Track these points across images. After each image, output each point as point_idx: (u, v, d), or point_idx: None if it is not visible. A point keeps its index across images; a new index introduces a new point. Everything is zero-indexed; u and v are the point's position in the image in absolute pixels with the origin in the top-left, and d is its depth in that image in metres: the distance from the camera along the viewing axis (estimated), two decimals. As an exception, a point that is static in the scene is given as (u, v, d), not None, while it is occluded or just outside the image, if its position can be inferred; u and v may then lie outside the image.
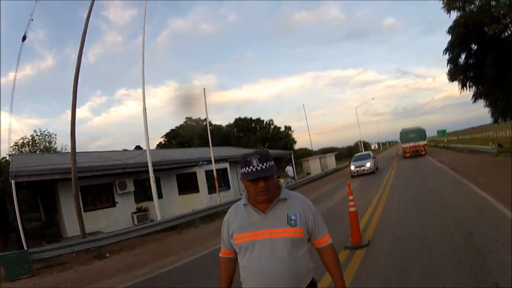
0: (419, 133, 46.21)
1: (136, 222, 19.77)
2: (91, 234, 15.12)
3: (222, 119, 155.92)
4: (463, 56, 27.42)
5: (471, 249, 7.21)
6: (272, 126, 62.63)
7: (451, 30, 26.25)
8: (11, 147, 40.56)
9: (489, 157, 28.59)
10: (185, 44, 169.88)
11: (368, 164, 30.00)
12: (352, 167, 30.96)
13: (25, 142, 40.32)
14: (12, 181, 15.22)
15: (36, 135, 41.34)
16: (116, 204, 20.40)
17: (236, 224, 2.56)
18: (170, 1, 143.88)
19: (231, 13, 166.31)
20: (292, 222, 2.49)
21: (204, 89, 25.02)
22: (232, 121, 63.93)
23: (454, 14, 22.44)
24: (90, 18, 16.84)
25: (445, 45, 28.45)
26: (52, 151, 38.57)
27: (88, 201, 19.01)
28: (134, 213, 20.47)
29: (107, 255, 12.80)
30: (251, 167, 2.41)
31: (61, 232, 18.14)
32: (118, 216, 19.80)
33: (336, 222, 11.79)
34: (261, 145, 53.90)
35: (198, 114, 60.76)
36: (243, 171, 2.45)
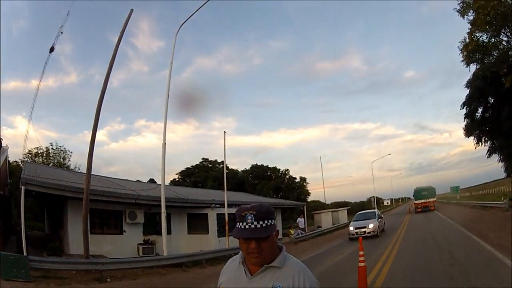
0: (430, 191, 54.68)
1: (141, 253, 19.63)
2: (94, 257, 15.05)
3: (238, 163, 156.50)
4: (480, 110, 27.83)
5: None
6: (287, 176, 62.09)
7: (469, 84, 26.75)
8: (24, 154, 40.98)
9: (500, 212, 29.05)
10: (208, 83, 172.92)
11: (371, 226, 25.02)
12: (351, 228, 26.10)
13: (39, 152, 40.72)
14: (22, 187, 15.37)
15: (52, 148, 41.82)
16: (124, 233, 20.24)
17: (225, 277, 2.39)
18: (197, 37, 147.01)
19: (256, 57, 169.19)
20: None
21: (224, 132, 25.70)
22: (248, 166, 63.75)
23: (473, 67, 22.92)
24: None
25: (462, 98, 28.93)
26: (65, 168, 38.71)
27: (96, 224, 18.84)
28: (140, 244, 20.27)
29: (108, 279, 12.66)
30: (244, 223, 2.19)
31: (64, 248, 17.96)
32: (124, 245, 19.60)
33: (343, 276, 12.16)
34: (274, 195, 53.62)
35: (214, 155, 61.01)
36: (236, 226, 2.24)
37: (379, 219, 27.26)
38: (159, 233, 19.07)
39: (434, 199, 54.70)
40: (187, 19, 19.45)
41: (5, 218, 22.99)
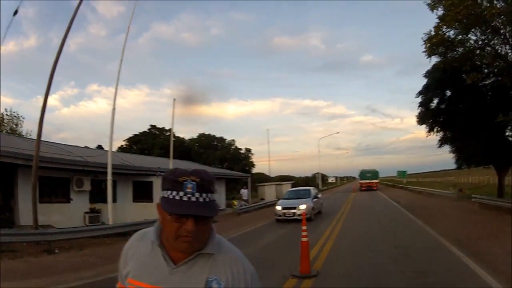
0: (374, 173, 64.66)
1: (87, 222, 19.58)
2: (43, 227, 15.00)
3: (186, 132, 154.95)
4: (435, 100, 27.73)
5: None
6: (233, 147, 63.15)
7: (428, 74, 26.69)
8: None
9: (448, 202, 29.54)
10: (164, 50, 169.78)
11: (302, 207, 20.33)
12: (278, 208, 21.69)
13: None
14: None
15: (6, 114, 40.19)
16: (71, 201, 20.06)
17: (134, 263, 1.76)
18: (157, 3, 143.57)
19: (215, 27, 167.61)
20: None
21: (174, 99, 25.44)
22: (195, 135, 64.15)
23: (435, 59, 23.11)
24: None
25: (418, 88, 28.74)
26: (17, 134, 37.28)
27: (45, 193, 18.53)
28: (87, 212, 20.20)
29: (56, 251, 12.74)
30: (181, 193, 1.60)
31: (15, 219, 17.71)
32: (71, 213, 19.48)
33: (285, 250, 12.28)
34: (219, 165, 54.09)
35: (164, 123, 60.81)
36: (166, 195, 1.63)
37: (315, 199, 23.43)
38: (105, 201, 18.87)
39: (377, 180, 65.40)
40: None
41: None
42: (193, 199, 1.59)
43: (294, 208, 20.85)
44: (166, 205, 1.60)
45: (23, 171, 17.41)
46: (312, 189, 25.70)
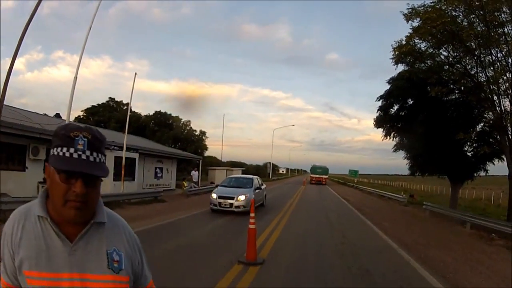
0: (324, 170, 72.44)
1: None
2: None
3: (143, 108, 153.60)
4: (396, 107, 27.74)
5: (367, 286, 7.75)
6: (188, 127, 63.53)
7: (392, 81, 26.59)
8: None
9: (398, 205, 30.46)
10: (133, 23, 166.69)
11: (241, 198, 18.72)
12: (214, 196, 19.36)
13: None
14: None
15: None
16: (26, 169, 19.90)
17: (25, 251, 1.58)
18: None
19: (186, 5, 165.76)
20: (115, 265, 1.67)
21: (135, 73, 25.50)
22: (151, 112, 63.78)
23: (401, 67, 23.26)
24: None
25: (380, 93, 28.63)
26: None
27: (1, 160, 18.36)
28: (40, 182, 20.03)
29: None
30: (71, 149, 1.55)
31: None
32: (26, 182, 19.32)
33: (232, 236, 12.57)
34: (172, 144, 54.27)
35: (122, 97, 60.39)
36: (56, 153, 1.57)
37: (257, 190, 21.07)
38: None
39: (326, 176, 73.69)
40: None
41: None
42: (84, 157, 1.55)
43: (232, 198, 18.78)
44: (55, 162, 1.54)
45: (-19, 136, 17.16)
46: (256, 179, 23.10)
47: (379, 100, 28.07)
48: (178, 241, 11.55)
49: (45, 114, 36.82)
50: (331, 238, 13.22)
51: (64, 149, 1.54)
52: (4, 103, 14.53)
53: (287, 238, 12.71)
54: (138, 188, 27.15)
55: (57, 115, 41.71)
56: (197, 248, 10.75)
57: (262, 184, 23.79)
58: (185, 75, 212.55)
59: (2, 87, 14.48)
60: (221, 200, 18.86)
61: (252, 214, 9.75)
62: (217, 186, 23.66)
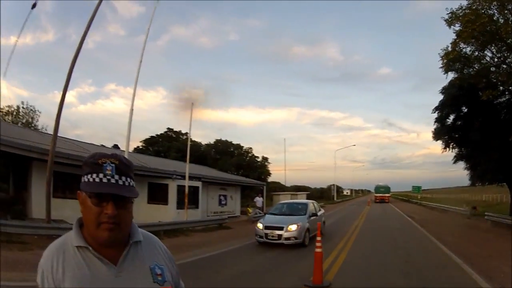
0: (386, 189, 79.30)
1: None
2: (55, 221, 14.99)
3: (202, 136, 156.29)
4: (451, 117, 27.60)
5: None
6: (250, 154, 62.70)
7: (444, 90, 26.56)
8: None
9: (461, 218, 29.68)
10: (182, 53, 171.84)
11: (292, 227, 15.24)
12: (260, 226, 15.99)
13: (10, 111, 39.35)
14: None
15: (23, 107, 40.35)
16: None
17: (71, 283, 1.53)
18: (177, 6, 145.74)
19: (233, 32, 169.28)
20: (159, 278, 1.69)
21: (192, 103, 25.37)
22: (212, 141, 63.94)
23: (451, 75, 22.89)
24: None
25: (434, 103, 28.53)
26: (33, 128, 37.41)
27: (59, 188, 18.42)
28: None
29: None
30: (101, 175, 1.58)
31: (27, 211, 17.72)
32: None
33: (299, 259, 12.14)
34: (235, 172, 53.78)
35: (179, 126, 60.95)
36: (87, 179, 1.60)
37: (312, 217, 17.11)
38: None
39: (389, 195, 79.28)
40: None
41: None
42: (113, 181, 1.59)
43: (281, 228, 15.22)
44: (87, 187, 1.59)
45: (37, 165, 17.43)
46: (312, 203, 19.30)
47: (435, 112, 28.22)
48: (243, 267, 11.52)
49: (102, 145, 37.74)
50: (396, 257, 13.05)
51: (94, 175, 1.59)
52: (59, 134, 14.98)
53: (353, 260, 12.39)
54: (202, 216, 26.83)
55: (115, 146, 42.48)
56: (262, 273, 10.64)
57: (319, 210, 20.11)
58: (242, 102, 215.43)
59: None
60: (268, 231, 15.36)
61: (318, 238, 9.67)
62: (265, 214, 21.67)
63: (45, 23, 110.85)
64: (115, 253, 1.62)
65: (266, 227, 15.53)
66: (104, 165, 1.59)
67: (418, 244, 16.36)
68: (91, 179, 1.59)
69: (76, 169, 18.77)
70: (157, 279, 1.68)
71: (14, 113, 39.67)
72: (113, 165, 1.60)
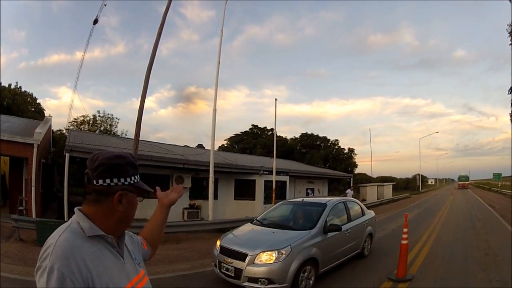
0: (466, 178, 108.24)
1: (186, 218, 19.91)
2: (138, 220, 14.91)
3: (287, 132, 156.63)
4: None
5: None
6: (336, 147, 61.38)
7: None
8: (69, 122, 41.85)
9: None
10: (259, 52, 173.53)
11: (264, 257, 7.01)
12: (218, 244, 8.23)
13: (85, 120, 41.36)
14: (67, 154, 15.99)
15: (99, 115, 42.38)
16: None
17: (105, 276, 1.50)
18: (248, 7, 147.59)
19: (308, 27, 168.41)
20: (137, 261, 1.78)
21: (276, 99, 25.32)
22: (297, 135, 63.52)
23: None
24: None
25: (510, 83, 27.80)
26: (112, 134, 39.15)
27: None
28: (186, 208, 20.47)
29: None
30: (138, 176, 1.72)
31: None
32: (172, 208, 19.30)
33: (384, 253, 11.69)
34: (322, 164, 52.78)
35: (264, 123, 60.97)
36: (135, 180, 1.68)
37: (331, 233, 8.49)
38: (205, 197, 19.23)
39: (468, 182, 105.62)
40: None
41: (47, 186, 23.76)
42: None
43: (243, 257, 7.22)
44: (140, 188, 1.71)
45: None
46: (340, 204, 10.21)
47: (510, 93, 25.54)
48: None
49: (186, 146, 38.33)
50: (476, 249, 12.57)
51: (137, 176, 1.70)
52: (140, 138, 15.24)
53: (436, 252, 11.99)
54: (289, 210, 25.73)
55: (200, 146, 42.55)
56: (348, 266, 9.96)
57: (362, 214, 11.22)
58: (325, 95, 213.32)
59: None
60: (223, 258, 7.64)
61: (405, 229, 9.16)
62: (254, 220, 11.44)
63: (112, 36, 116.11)
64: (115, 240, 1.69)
65: (222, 250, 7.86)
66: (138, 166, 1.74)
67: (498, 236, 15.69)
68: (138, 180, 1.72)
69: (159, 170, 19.76)
70: (136, 262, 1.77)
71: (91, 122, 41.52)
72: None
